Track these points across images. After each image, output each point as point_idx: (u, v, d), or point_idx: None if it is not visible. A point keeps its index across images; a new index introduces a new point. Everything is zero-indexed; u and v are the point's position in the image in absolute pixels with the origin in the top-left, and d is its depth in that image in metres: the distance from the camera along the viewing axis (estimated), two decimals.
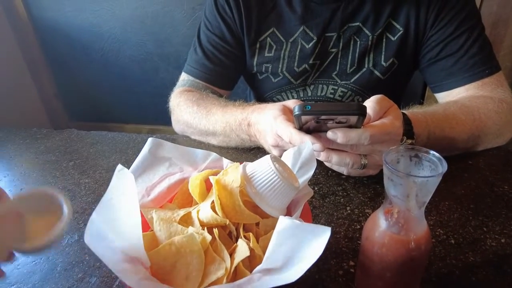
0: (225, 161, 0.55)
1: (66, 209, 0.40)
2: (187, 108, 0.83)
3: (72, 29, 2.05)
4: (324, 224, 0.55)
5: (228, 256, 0.41)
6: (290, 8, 0.85)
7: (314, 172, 0.68)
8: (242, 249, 0.40)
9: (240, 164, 0.54)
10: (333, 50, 0.86)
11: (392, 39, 0.83)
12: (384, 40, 0.84)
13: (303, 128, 0.55)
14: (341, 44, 0.85)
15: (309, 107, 0.48)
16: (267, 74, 0.91)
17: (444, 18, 0.78)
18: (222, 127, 0.74)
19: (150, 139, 0.53)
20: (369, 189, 0.63)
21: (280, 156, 0.61)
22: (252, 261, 0.41)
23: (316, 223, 0.56)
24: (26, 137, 0.95)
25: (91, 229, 0.39)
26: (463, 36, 0.77)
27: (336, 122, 0.51)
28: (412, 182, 0.34)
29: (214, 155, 0.55)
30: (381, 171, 0.37)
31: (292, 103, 0.62)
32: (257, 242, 0.42)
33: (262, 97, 0.98)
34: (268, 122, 0.61)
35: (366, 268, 0.41)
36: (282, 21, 0.87)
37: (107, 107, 2.30)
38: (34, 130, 0.98)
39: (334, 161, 0.57)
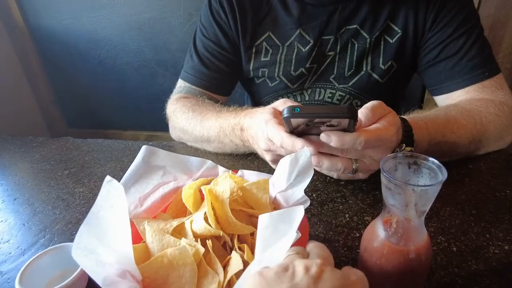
0: (221, 169, 0.54)
1: None
2: (183, 115, 0.82)
3: (69, 36, 2.05)
4: (323, 233, 0.54)
5: (222, 269, 0.39)
6: (286, 12, 0.84)
7: (312, 179, 0.67)
8: (236, 262, 0.39)
9: (234, 172, 0.53)
10: (330, 53, 0.85)
11: (391, 41, 0.82)
12: (382, 42, 0.83)
13: (294, 132, 0.53)
14: (338, 47, 0.84)
15: (298, 110, 0.47)
16: (264, 78, 0.90)
17: (443, 20, 0.77)
18: (216, 132, 0.73)
19: (143, 147, 0.52)
20: (368, 195, 0.62)
21: (273, 160, 0.60)
22: None
23: (314, 231, 0.55)
24: (21, 145, 0.94)
25: (79, 242, 0.37)
26: (461, 38, 0.76)
27: (328, 125, 0.49)
28: (410, 191, 0.32)
29: (209, 162, 0.54)
30: (378, 178, 0.36)
31: (281, 103, 0.60)
32: (252, 253, 0.41)
33: (259, 102, 0.97)
34: (260, 126, 0.60)
35: None
36: (278, 24, 0.86)
37: (105, 114, 2.29)
38: (29, 138, 0.97)
39: (325, 166, 0.55)
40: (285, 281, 0.27)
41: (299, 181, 0.46)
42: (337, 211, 0.59)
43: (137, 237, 0.44)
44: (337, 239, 0.53)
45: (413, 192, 0.33)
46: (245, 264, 0.39)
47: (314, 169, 0.61)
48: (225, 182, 0.45)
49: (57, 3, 1.97)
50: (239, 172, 0.54)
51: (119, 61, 2.05)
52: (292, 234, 0.34)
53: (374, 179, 0.60)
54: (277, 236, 0.35)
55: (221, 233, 0.42)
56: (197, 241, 0.42)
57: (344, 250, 0.51)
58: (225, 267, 0.40)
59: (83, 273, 0.43)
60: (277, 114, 0.59)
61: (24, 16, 2.06)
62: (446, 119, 0.66)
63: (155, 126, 2.14)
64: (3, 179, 0.79)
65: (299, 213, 0.36)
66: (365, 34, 0.82)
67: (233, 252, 0.41)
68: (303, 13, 0.83)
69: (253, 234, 0.44)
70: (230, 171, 0.53)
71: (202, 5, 0.92)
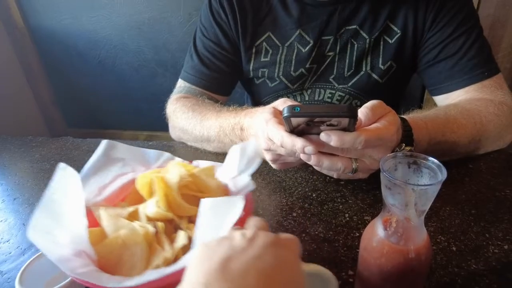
0: (178, 160, 0.56)
1: None
2: (183, 114, 0.82)
3: (69, 36, 2.05)
4: (323, 232, 0.54)
5: (170, 246, 0.42)
6: (286, 12, 0.84)
7: (312, 178, 0.68)
8: (181, 238, 0.43)
9: (189, 162, 0.55)
10: (330, 53, 0.85)
11: (390, 41, 0.82)
12: (381, 43, 0.83)
13: (294, 131, 0.53)
14: (338, 48, 0.84)
15: (298, 109, 0.47)
16: (264, 79, 0.90)
17: (442, 20, 0.77)
18: (216, 132, 0.73)
19: (104, 141, 0.53)
20: (368, 195, 0.62)
21: (273, 159, 0.61)
22: None
23: (314, 231, 0.55)
24: (21, 145, 0.94)
25: (35, 224, 0.39)
26: (461, 38, 0.76)
27: (328, 125, 0.49)
28: (410, 190, 0.32)
29: (166, 155, 0.56)
30: (377, 177, 0.36)
31: (281, 103, 0.60)
32: None
33: (259, 102, 0.97)
34: (260, 126, 0.60)
35: (365, 278, 0.40)
36: (278, 25, 0.86)
37: (104, 114, 2.29)
38: (29, 138, 0.97)
39: (325, 166, 0.55)
40: (225, 245, 0.31)
41: (247, 168, 0.49)
42: (337, 211, 0.59)
43: (94, 223, 0.46)
44: (337, 239, 0.53)
45: (413, 192, 0.33)
46: (190, 240, 0.42)
47: (315, 169, 0.61)
48: (174, 169, 0.48)
49: (57, 3, 1.97)
50: (194, 162, 0.56)
51: (118, 61, 2.06)
52: (232, 220, 0.37)
53: (374, 179, 0.60)
54: (217, 220, 0.38)
55: (171, 215, 0.45)
56: (148, 223, 0.45)
57: (344, 250, 0.51)
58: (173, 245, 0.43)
59: None
60: (277, 113, 0.59)
61: (24, 17, 2.06)
62: (446, 119, 0.66)
63: (154, 126, 2.14)
64: (3, 179, 0.79)
65: (240, 202, 0.39)
66: (364, 35, 0.82)
67: (179, 230, 0.44)
68: (303, 13, 0.83)
69: None
70: (184, 161, 0.56)
71: (202, 5, 0.92)
